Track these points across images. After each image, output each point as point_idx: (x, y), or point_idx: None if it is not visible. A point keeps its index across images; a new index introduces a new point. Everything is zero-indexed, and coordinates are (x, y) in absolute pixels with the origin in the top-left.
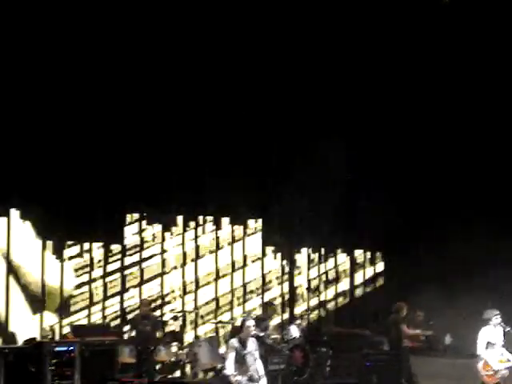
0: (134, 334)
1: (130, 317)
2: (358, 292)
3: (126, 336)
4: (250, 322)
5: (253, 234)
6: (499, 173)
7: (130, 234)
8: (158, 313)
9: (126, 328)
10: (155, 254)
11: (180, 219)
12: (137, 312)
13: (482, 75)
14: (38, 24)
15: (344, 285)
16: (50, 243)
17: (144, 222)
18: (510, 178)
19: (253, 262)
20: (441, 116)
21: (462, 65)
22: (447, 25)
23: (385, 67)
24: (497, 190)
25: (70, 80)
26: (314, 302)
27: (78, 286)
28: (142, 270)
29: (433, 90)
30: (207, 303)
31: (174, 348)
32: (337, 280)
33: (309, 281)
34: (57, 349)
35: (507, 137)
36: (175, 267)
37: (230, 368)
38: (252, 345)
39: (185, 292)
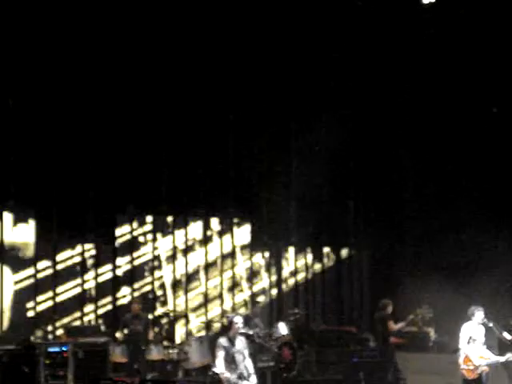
0: (125, 333)
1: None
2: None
3: (117, 335)
4: (238, 319)
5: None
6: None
7: (121, 235)
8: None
9: (118, 327)
10: (145, 254)
11: (170, 220)
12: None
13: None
14: (37, 25)
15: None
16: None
17: (134, 224)
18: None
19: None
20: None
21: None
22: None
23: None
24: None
25: (62, 83)
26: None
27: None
28: (132, 270)
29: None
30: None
31: (165, 347)
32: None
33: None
34: (50, 349)
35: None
36: (165, 266)
37: (219, 366)
38: (240, 343)
39: (175, 291)
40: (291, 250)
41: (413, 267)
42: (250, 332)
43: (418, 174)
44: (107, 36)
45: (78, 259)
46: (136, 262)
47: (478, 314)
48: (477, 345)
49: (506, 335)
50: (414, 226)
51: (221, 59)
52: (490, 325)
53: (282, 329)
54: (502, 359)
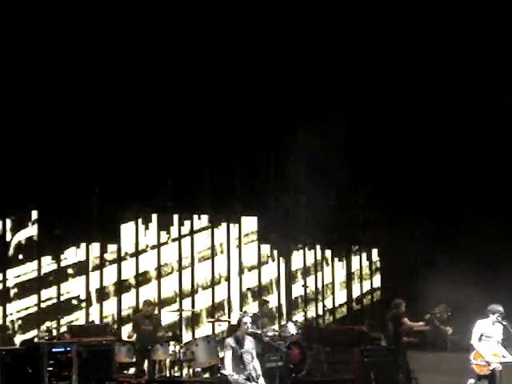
0: (136, 333)
1: (132, 316)
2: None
3: (126, 336)
4: (247, 319)
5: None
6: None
7: (127, 234)
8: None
9: (129, 328)
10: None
11: (176, 218)
12: (139, 312)
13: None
14: (34, 24)
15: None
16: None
17: (140, 222)
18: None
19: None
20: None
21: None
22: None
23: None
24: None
25: (62, 80)
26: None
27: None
28: (138, 270)
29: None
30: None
31: (172, 347)
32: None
33: (304, 279)
34: (54, 350)
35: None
36: (172, 268)
37: (227, 367)
38: (249, 343)
39: (181, 292)
40: (300, 248)
41: (427, 264)
42: (258, 331)
43: (428, 168)
44: (104, 34)
45: (82, 258)
46: (142, 262)
47: (496, 312)
48: (491, 342)
49: None
50: (426, 221)
51: (220, 53)
52: (505, 323)
53: (291, 328)
54: None
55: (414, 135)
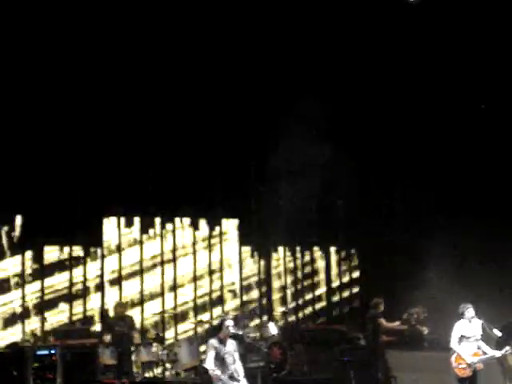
0: (110, 335)
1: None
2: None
3: (103, 338)
4: (229, 322)
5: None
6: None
7: (109, 236)
8: (137, 313)
9: (102, 329)
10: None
11: (157, 221)
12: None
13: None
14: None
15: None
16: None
17: (122, 224)
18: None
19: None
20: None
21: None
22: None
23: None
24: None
25: (46, 87)
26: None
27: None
28: (120, 271)
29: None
30: (186, 303)
31: (155, 348)
32: (313, 276)
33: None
34: (38, 352)
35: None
36: (154, 267)
37: (209, 363)
38: (231, 346)
39: (163, 293)
40: (280, 249)
41: (405, 265)
42: (240, 332)
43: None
44: (85, 39)
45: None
46: (124, 264)
47: (469, 311)
48: (471, 342)
49: (495, 332)
50: (403, 222)
51: (201, 52)
52: (481, 321)
53: (272, 329)
54: (498, 354)
55: (394, 135)
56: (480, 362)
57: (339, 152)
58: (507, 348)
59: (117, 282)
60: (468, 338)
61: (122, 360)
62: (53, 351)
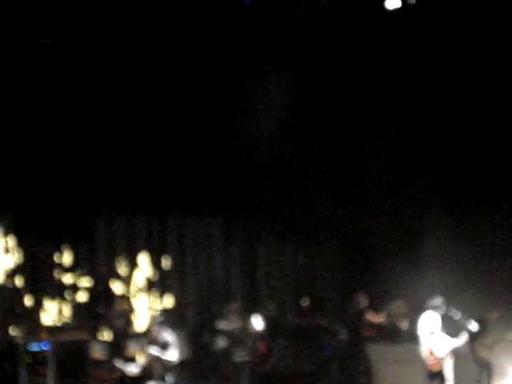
0: (108, 331)
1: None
2: None
3: (100, 333)
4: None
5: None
6: None
7: (99, 237)
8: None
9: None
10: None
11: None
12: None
13: None
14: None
15: None
16: None
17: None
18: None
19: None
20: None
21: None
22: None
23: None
24: None
25: (39, 85)
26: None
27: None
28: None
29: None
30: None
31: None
32: None
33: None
34: (30, 348)
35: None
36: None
37: None
38: None
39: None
40: (263, 245)
41: (382, 260)
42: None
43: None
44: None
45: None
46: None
47: (439, 305)
48: (439, 335)
49: (471, 326)
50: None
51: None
52: (449, 313)
53: (257, 324)
54: (459, 342)
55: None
56: (450, 352)
57: None
58: (472, 322)
59: None
60: (436, 331)
61: (112, 354)
62: (45, 346)
